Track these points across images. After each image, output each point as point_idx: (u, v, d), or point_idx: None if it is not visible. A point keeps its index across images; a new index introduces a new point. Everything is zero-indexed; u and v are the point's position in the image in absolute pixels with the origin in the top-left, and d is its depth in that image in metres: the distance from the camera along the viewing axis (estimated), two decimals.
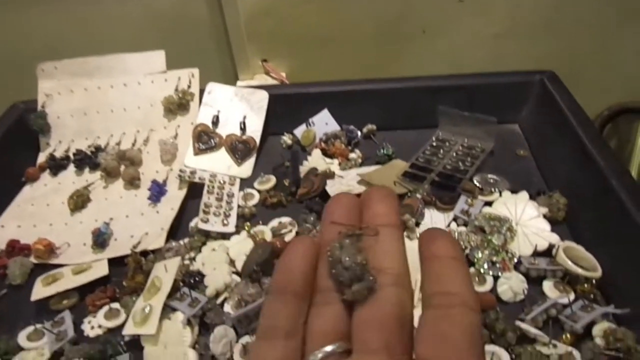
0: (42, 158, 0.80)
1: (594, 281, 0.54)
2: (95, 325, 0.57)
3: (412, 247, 0.58)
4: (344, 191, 0.68)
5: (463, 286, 0.22)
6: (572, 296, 0.53)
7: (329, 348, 0.22)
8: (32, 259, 0.64)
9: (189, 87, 0.82)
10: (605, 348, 0.47)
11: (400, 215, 0.26)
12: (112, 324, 0.57)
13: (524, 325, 0.50)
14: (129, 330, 0.54)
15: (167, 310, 0.56)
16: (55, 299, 0.59)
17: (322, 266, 0.24)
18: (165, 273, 0.58)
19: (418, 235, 0.63)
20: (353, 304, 0.23)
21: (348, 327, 0.22)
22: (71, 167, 0.78)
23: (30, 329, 0.56)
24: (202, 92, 0.82)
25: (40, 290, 0.59)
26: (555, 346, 0.49)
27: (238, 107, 0.81)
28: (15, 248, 0.64)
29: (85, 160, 0.78)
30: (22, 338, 0.55)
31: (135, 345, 0.54)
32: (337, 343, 0.22)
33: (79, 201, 0.72)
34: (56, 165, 0.78)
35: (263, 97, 0.81)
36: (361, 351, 0.21)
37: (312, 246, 0.24)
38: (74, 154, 0.78)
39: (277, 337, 0.22)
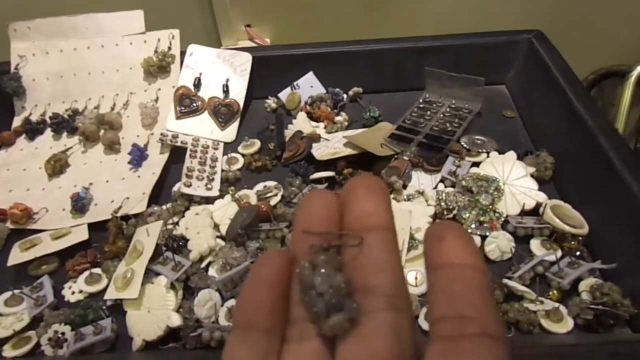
0: (17, 122, 0.77)
1: (580, 238, 0.54)
2: (76, 290, 0.55)
3: (398, 208, 0.57)
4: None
5: (481, 306, 0.16)
6: (559, 253, 0.52)
7: None
8: (9, 225, 0.62)
9: (169, 48, 0.79)
10: (591, 303, 0.47)
11: (392, 212, 0.19)
12: (93, 289, 0.55)
13: (511, 283, 0.50)
14: (110, 294, 0.53)
15: (150, 274, 0.55)
16: (34, 265, 0.58)
17: (295, 288, 0.19)
18: (147, 237, 0.57)
19: (405, 197, 0.62)
20: (333, 338, 0.18)
21: None
22: (48, 132, 0.76)
23: (8, 294, 0.54)
24: (182, 54, 0.80)
25: (17, 256, 0.57)
26: (542, 302, 0.49)
27: (220, 70, 0.79)
28: None
29: (63, 124, 0.75)
30: (1, 306, 0.54)
31: (118, 309, 0.53)
32: None
33: (57, 166, 0.69)
34: (32, 130, 0.75)
35: (246, 59, 0.79)
36: None
37: (283, 264, 0.19)
38: (51, 118, 0.75)
39: None
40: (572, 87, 0.64)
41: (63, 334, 0.50)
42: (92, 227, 0.62)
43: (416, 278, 0.53)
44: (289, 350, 0.18)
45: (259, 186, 0.66)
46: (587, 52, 1.10)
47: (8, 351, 0.50)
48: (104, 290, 0.55)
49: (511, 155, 0.64)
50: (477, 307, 0.16)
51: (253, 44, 1.08)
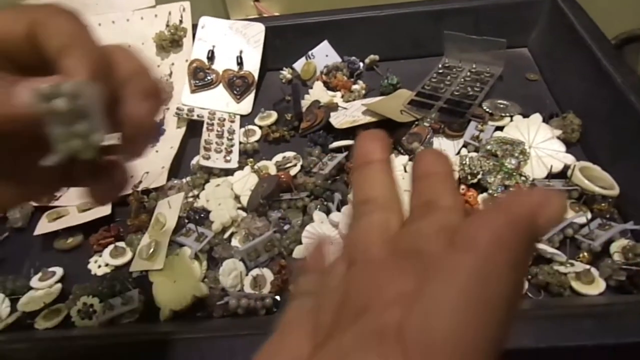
0: None
1: (610, 200, 0.53)
2: (101, 263, 0.56)
3: None
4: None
5: (442, 192, 0.22)
6: (589, 215, 0.51)
7: None
8: (32, 202, 0.63)
9: (180, 22, 0.78)
10: (624, 264, 0.46)
11: (390, 150, 0.26)
12: (119, 261, 0.56)
13: (540, 246, 0.49)
14: (136, 266, 0.53)
15: (174, 246, 0.55)
16: (60, 239, 0.58)
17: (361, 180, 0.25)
18: (169, 209, 0.57)
19: None
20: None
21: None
22: None
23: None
24: (194, 27, 0.78)
25: (45, 226, 0.58)
26: (572, 264, 0.48)
27: (234, 42, 0.77)
28: None
29: None
30: (34, 280, 0.55)
31: (143, 281, 0.53)
32: None
33: None
34: None
35: (259, 30, 0.77)
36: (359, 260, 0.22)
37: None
38: None
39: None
40: (600, 46, 0.61)
41: (92, 305, 0.50)
42: (113, 202, 0.62)
43: None
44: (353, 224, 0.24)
45: (278, 157, 0.65)
46: (607, 17, 1.06)
47: (40, 323, 0.50)
48: (129, 263, 0.55)
49: (536, 117, 0.62)
50: (437, 192, 0.22)
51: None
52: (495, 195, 0.55)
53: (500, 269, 0.17)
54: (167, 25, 0.77)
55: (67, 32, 0.23)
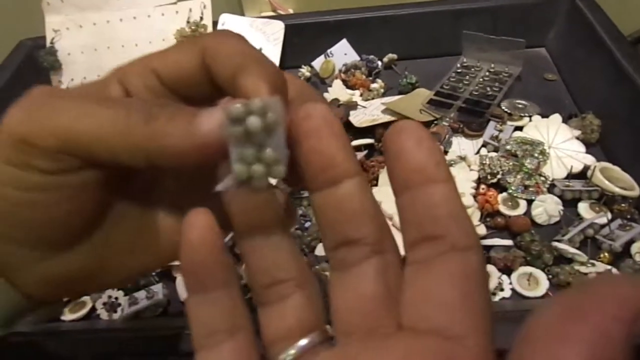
0: None
1: (631, 201, 0.53)
2: None
3: None
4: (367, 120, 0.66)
5: (447, 222, 0.16)
6: (609, 215, 0.52)
7: (303, 342, 0.18)
8: None
9: (201, 18, 0.78)
10: None
11: (354, 154, 0.18)
12: None
13: (561, 246, 0.49)
14: None
15: None
16: None
17: (257, 257, 0.19)
18: None
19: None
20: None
21: (315, 315, 0.19)
22: None
23: None
24: (214, 24, 0.79)
25: None
26: (593, 265, 0.48)
27: (253, 39, 0.78)
28: None
29: None
30: None
31: (167, 275, 0.54)
32: (314, 333, 0.18)
33: None
34: None
35: (279, 27, 0.78)
36: (344, 339, 0.18)
37: (209, 220, 0.18)
38: None
39: (219, 342, 0.18)
40: (619, 46, 0.62)
41: (117, 298, 0.51)
42: None
43: None
44: (272, 310, 0.19)
45: None
46: (622, 14, 1.06)
47: (66, 315, 0.51)
48: None
49: (556, 118, 0.62)
50: (443, 224, 0.16)
51: (275, 14, 1.07)
52: (515, 195, 0.55)
53: None
54: (188, 22, 0.78)
55: (240, 52, 0.21)
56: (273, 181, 0.18)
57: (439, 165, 0.17)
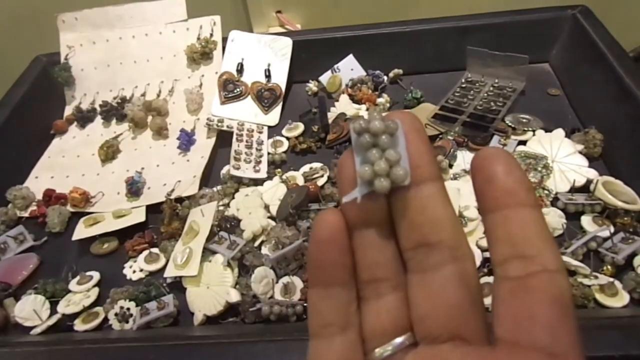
0: (68, 111, 0.80)
1: (633, 214, 0.54)
2: (136, 269, 0.58)
3: (447, 186, 0.57)
4: None
5: (539, 243, 0.17)
6: (612, 229, 0.52)
7: (398, 340, 0.19)
8: (69, 208, 0.65)
9: (211, 35, 0.80)
10: None
11: (435, 159, 0.20)
12: (153, 267, 0.58)
13: (564, 258, 0.50)
14: (170, 272, 0.55)
15: (207, 253, 0.57)
16: (96, 244, 0.60)
17: (361, 254, 0.20)
18: (202, 217, 0.59)
19: (451, 176, 0.62)
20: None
21: (407, 317, 0.20)
22: (98, 119, 0.78)
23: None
24: (224, 40, 0.81)
25: (82, 231, 0.61)
26: (596, 277, 0.49)
27: (262, 55, 0.80)
28: (51, 197, 0.65)
29: (112, 112, 0.78)
30: (72, 284, 0.57)
31: (178, 287, 0.55)
32: (406, 335, 0.20)
33: (109, 152, 0.72)
34: (83, 118, 0.78)
35: (286, 44, 0.80)
36: (428, 342, 0.19)
37: (340, 222, 0.20)
38: (101, 106, 0.78)
39: (332, 334, 0.20)
40: (621, 62, 0.63)
41: (128, 309, 0.52)
42: (147, 209, 0.64)
43: None
44: (369, 307, 0.20)
45: (305, 168, 0.67)
46: (627, 29, 1.07)
47: (79, 325, 0.52)
48: (163, 268, 0.57)
49: (559, 132, 0.63)
50: (535, 244, 0.17)
51: (283, 30, 1.09)
52: None
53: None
54: (198, 38, 0.80)
55: None
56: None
57: (530, 191, 0.18)
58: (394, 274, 0.20)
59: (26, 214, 0.67)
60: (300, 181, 0.65)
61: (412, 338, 0.19)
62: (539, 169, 0.59)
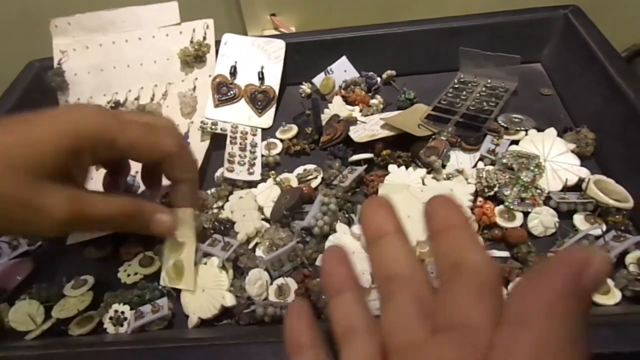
0: None
1: (625, 212, 0.54)
2: (131, 272, 0.58)
3: (439, 187, 0.61)
4: (368, 136, 0.68)
5: (468, 251, 0.22)
6: (604, 227, 0.53)
7: None
8: None
9: (204, 38, 0.81)
10: (638, 275, 0.48)
11: (399, 218, 0.27)
12: (147, 271, 0.58)
13: None
14: (166, 283, 0.55)
15: (200, 255, 0.57)
16: (90, 248, 0.60)
17: (338, 313, 0.26)
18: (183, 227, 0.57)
19: (444, 176, 0.63)
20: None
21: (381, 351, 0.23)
22: None
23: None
24: (217, 43, 0.81)
25: (76, 236, 0.60)
26: None
27: (255, 57, 0.80)
28: None
29: None
30: (66, 288, 0.57)
31: (173, 290, 0.55)
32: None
33: None
34: None
35: (280, 46, 0.80)
36: (393, 352, 0.22)
37: (306, 306, 0.28)
38: None
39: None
40: (612, 62, 0.63)
41: (123, 312, 0.52)
42: None
43: None
44: (347, 350, 0.24)
45: (299, 169, 0.68)
46: (619, 29, 1.07)
47: (73, 329, 0.52)
48: (158, 272, 0.57)
49: (551, 132, 0.64)
50: (462, 252, 0.22)
51: (277, 33, 1.09)
52: (511, 208, 0.57)
53: (562, 344, 0.17)
54: (192, 42, 0.80)
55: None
56: None
57: (459, 214, 0.24)
58: (365, 320, 0.25)
59: None
60: (294, 183, 0.65)
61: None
62: (532, 168, 0.60)
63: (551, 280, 0.18)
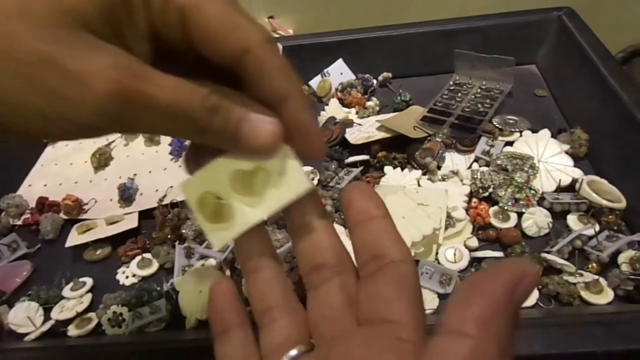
0: None
1: (618, 212, 0.55)
2: (129, 274, 0.58)
3: (434, 187, 0.60)
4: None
5: (387, 243, 0.23)
6: (597, 227, 0.53)
7: (292, 352, 0.23)
8: (62, 215, 0.66)
9: None
10: (631, 274, 0.48)
11: (325, 210, 0.27)
12: (145, 272, 0.58)
13: (550, 257, 0.51)
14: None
15: (199, 257, 0.58)
16: (89, 251, 0.61)
17: (254, 291, 0.26)
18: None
19: (440, 177, 0.63)
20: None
21: (301, 332, 0.24)
22: None
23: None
24: None
25: (75, 238, 0.61)
26: (581, 275, 0.50)
27: None
28: (44, 205, 0.65)
29: None
30: (65, 290, 0.58)
31: (170, 291, 0.56)
32: (298, 346, 0.24)
33: (102, 159, 0.72)
34: None
35: None
36: (320, 341, 0.23)
37: (230, 284, 0.27)
38: None
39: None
40: (606, 64, 0.64)
41: (121, 314, 0.53)
42: (139, 215, 0.65)
43: (455, 254, 0.54)
44: (265, 332, 0.25)
45: None
46: (615, 30, 1.08)
47: (72, 331, 0.53)
48: (156, 273, 0.58)
49: (545, 133, 0.64)
50: (383, 245, 0.23)
51: (275, 36, 1.10)
52: (505, 208, 0.57)
53: (496, 357, 0.17)
54: None
55: (287, 76, 0.27)
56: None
57: (379, 206, 0.24)
58: (284, 299, 0.25)
59: (19, 222, 0.67)
60: None
61: (307, 346, 0.24)
62: (526, 169, 0.60)
63: (486, 295, 0.18)
